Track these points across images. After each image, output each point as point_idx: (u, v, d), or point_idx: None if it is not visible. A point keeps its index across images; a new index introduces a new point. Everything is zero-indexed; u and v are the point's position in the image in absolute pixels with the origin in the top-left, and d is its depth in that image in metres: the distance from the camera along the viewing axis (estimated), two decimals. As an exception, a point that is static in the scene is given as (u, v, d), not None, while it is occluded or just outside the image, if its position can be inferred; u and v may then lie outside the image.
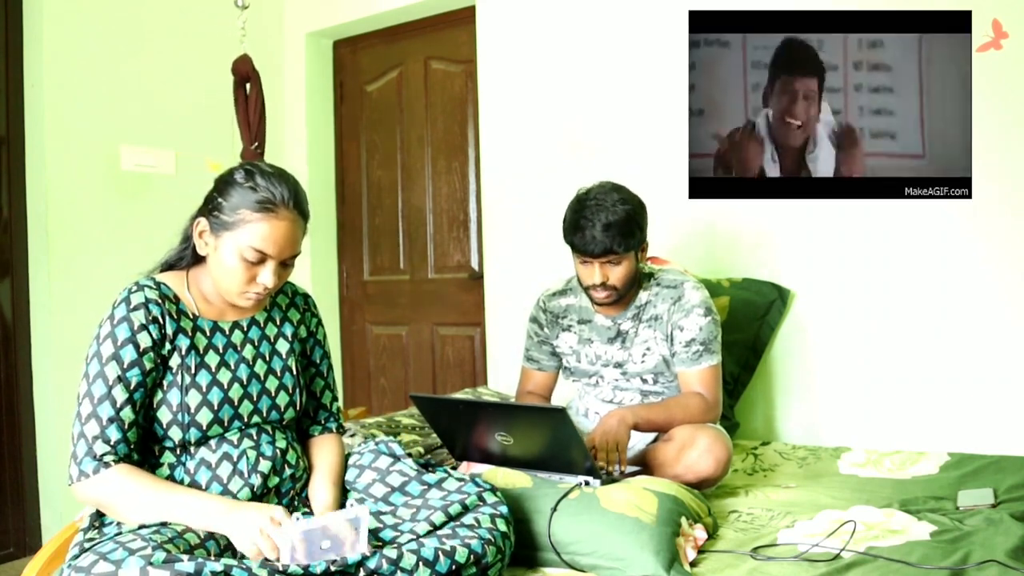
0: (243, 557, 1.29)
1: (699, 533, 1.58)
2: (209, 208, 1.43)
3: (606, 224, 1.90)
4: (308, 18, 3.71)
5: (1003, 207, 2.26)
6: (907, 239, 2.39)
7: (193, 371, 1.41)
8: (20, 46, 2.91)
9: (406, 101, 3.66)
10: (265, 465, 1.44)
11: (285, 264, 1.44)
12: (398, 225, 3.71)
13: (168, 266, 1.52)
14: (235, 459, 1.42)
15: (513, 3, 3.12)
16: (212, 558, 1.22)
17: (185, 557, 1.14)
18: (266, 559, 1.26)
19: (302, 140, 3.75)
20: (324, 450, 1.59)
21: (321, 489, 1.51)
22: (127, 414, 1.34)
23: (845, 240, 2.48)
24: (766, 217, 2.61)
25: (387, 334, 3.77)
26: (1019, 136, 2.23)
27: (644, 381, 2.08)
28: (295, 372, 1.55)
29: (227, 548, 1.29)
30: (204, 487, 1.39)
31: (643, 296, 2.07)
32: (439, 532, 1.36)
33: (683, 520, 1.56)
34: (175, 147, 3.25)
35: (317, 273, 3.80)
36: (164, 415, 1.38)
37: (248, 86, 2.82)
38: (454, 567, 1.28)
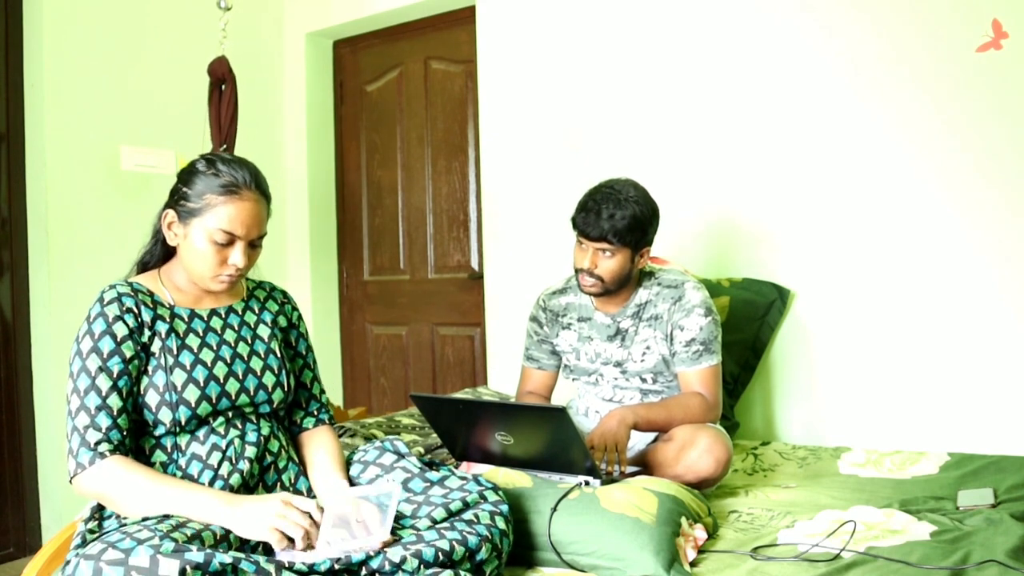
0: (247, 548, 1.29)
1: (699, 533, 1.58)
2: (175, 199, 1.48)
3: (611, 213, 1.92)
4: (308, 18, 3.71)
5: (1003, 207, 2.26)
6: (907, 239, 2.39)
7: (175, 352, 1.44)
8: (20, 46, 2.91)
9: (406, 101, 3.66)
10: (251, 451, 1.46)
11: (253, 245, 1.49)
12: (398, 225, 3.71)
13: (142, 266, 1.57)
14: (223, 448, 1.44)
15: (513, 3, 3.12)
16: (220, 550, 1.22)
17: (194, 547, 1.15)
18: (270, 554, 1.28)
19: (302, 140, 3.75)
20: (321, 440, 1.61)
21: (329, 474, 1.52)
22: (114, 401, 1.37)
23: (845, 240, 2.48)
24: (766, 217, 2.61)
25: (387, 334, 3.77)
26: (1019, 137, 2.23)
27: (643, 380, 2.08)
28: (279, 355, 1.57)
29: (223, 539, 1.29)
30: (197, 477, 1.41)
31: (643, 295, 2.07)
32: (439, 526, 1.37)
33: (683, 520, 1.56)
34: (175, 147, 3.25)
35: (317, 273, 3.80)
36: (152, 398, 1.40)
37: (224, 87, 2.83)
38: (444, 559, 1.29)
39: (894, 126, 2.40)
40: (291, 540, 1.29)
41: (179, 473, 1.41)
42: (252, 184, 1.46)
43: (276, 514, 1.29)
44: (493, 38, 3.19)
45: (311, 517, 1.31)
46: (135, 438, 1.42)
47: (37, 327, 2.90)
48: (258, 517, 1.30)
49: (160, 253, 1.56)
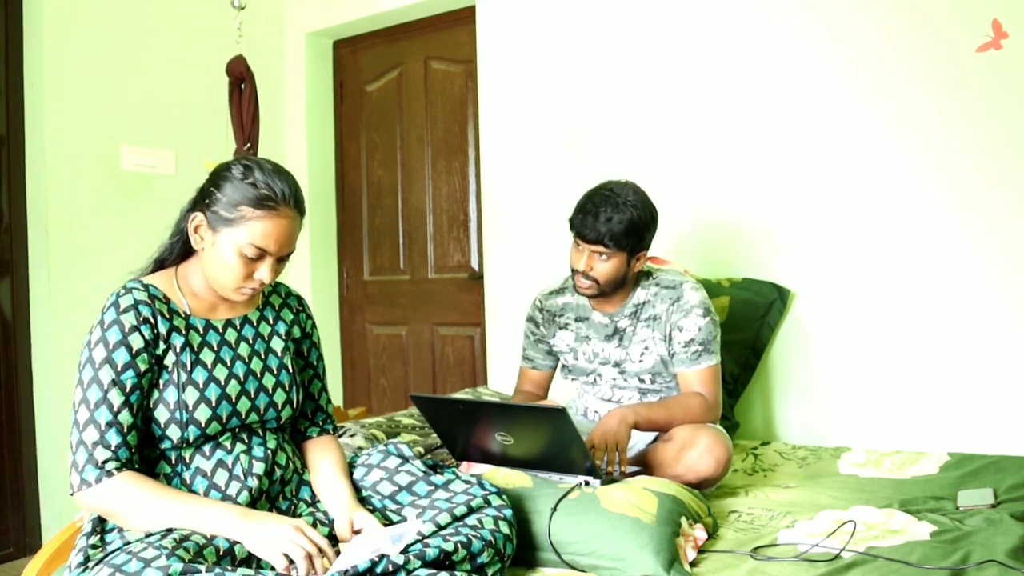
0: (252, 560, 1.29)
1: (699, 533, 1.58)
2: (206, 203, 1.41)
3: (608, 217, 1.92)
4: (308, 18, 3.71)
5: (1003, 207, 2.26)
6: (907, 239, 2.39)
7: (189, 368, 1.40)
8: (20, 46, 2.91)
9: (406, 101, 3.66)
10: (259, 467, 1.43)
11: (281, 260, 1.44)
12: (398, 225, 3.71)
13: (159, 263, 1.51)
14: (230, 465, 1.41)
15: (513, 3, 3.12)
16: (229, 567, 1.21)
17: (203, 567, 1.14)
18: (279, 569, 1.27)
19: (302, 140, 3.75)
20: (325, 449, 1.59)
21: (334, 482, 1.51)
22: (125, 417, 1.33)
23: (845, 240, 2.48)
24: (766, 217, 2.61)
25: (387, 334, 3.77)
26: (1019, 137, 2.23)
27: (642, 380, 2.08)
28: (291, 370, 1.54)
29: (227, 553, 1.28)
30: (203, 494, 1.38)
31: (641, 295, 2.07)
32: (443, 532, 1.36)
33: (683, 520, 1.56)
34: (175, 147, 3.25)
35: (317, 273, 3.80)
36: (162, 414, 1.37)
37: (243, 86, 2.83)
38: (446, 560, 1.29)
39: (894, 126, 2.40)
40: (292, 564, 1.28)
41: (183, 487, 1.38)
42: (291, 200, 1.39)
43: (288, 539, 1.27)
44: (493, 38, 3.19)
45: (318, 547, 1.30)
46: (140, 449, 1.38)
47: (37, 327, 2.90)
48: (269, 537, 1.28)
49: (179, 251, 1.50)
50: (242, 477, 1.41)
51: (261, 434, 1.47)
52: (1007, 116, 2.24)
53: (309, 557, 1.27)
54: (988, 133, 2.26)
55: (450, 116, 3.53)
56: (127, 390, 1.34)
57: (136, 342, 1.36)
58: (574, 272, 2.02)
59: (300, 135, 3.76)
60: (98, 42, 3.03)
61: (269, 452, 1.46)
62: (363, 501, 1.51)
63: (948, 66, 2.31)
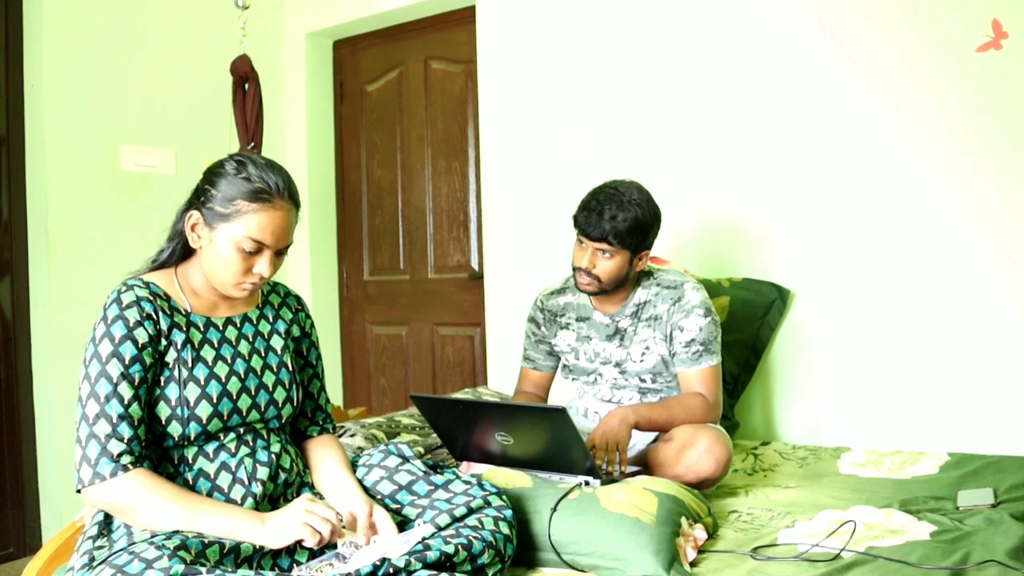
0: (256, 557, 1.29)
1: (699, 533, 1.58)
2: (201, 200, 1.42)
3: (613, 215, 1.92)
4: (308, 18, 3.72)
5: (1003, 207, 2.26)
6: (907, 239, 2.39)
7: (190, 365, 1.40)
8: (20, 46, 2.91)
9: (406, 101, 3.66)
10: (263, 472, 1.43)
11: (279, 253, 1.44)
12: (398, 225, 3.71)
13: (159, 265, 1.51)
14: (233, 468, 1.41)
15: (513, 3, 3.12)
16: (230, 568, 1.21)
17: (203, 569, 1.14)
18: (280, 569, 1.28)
19: (302, 140, 3.75)
20: (326, 447, 1.59)
21: (341, 478, 1.51)
22: (135, 410, 1.33)
23: (845, 240, 2.48)
24: (766, 217, 2.61)
25: (387, 334, 3.77)
26: (1019, 136, 2.23)
27: (642, 380, 2.08)
28: (291, 368, 1.54)
29: (231, 551, 1.28)
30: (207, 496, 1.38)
31: (642, 295, 2.08)
32: (443, 533, 1.36)
33: (683, 520, 1.56)
34: (175, 147, 3.26)
35: (317, 273, 3.80)
36: (163, 411, 1.37)
37: (247, 86, 2.82)
38: (446, 561, 1.29)
39: (894, 126, 2.40)
40: (320, 537, 1.30)
41: (185, 488, 1.38)
42: (285, 192, 1.40)
43: (304, 510, 1.30)
44: (493, 38, 3.19)
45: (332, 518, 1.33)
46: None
47: (37, 327, 2.90)
48: (287, 523, 1.30)
49: (179, 253, 1.50)
50: (246, 482, 1.40)
51: (265, 436, 1.47)
52: (1007, 116, 2.24)
53: (329, 525, 1.30)
54: (988, 133, 2.26)
55: (450, 116, 3.53)
56: (136, 383, 1.33)
57: (141, 336, 1.36)
58: (576, 269, 2.02)
59: (300, 135, 3.76)
60: (98, 42, 3.03)
61: (273, 456, 1.46)
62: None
63: (948, 66, 2.31)
